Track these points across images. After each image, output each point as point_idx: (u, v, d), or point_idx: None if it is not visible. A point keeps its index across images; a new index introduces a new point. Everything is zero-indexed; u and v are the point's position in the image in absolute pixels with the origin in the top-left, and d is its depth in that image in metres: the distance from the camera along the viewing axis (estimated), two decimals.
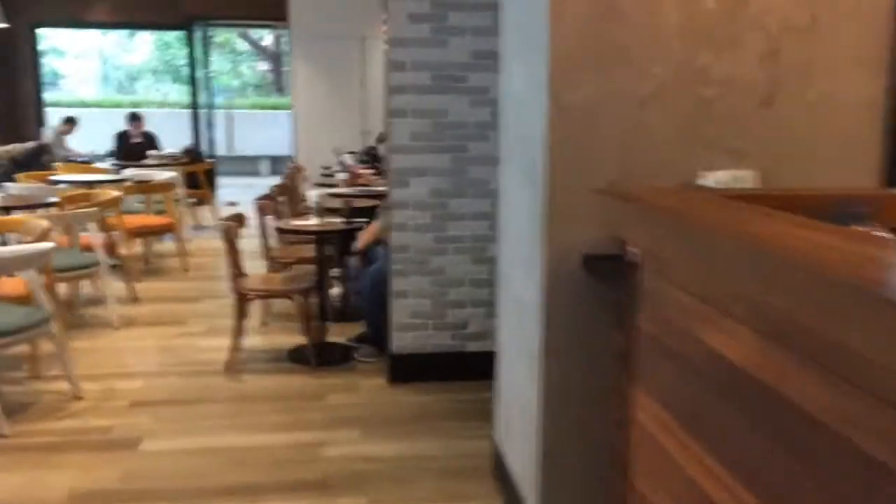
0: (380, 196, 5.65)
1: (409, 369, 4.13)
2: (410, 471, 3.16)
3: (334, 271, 5.75)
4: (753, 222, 1.19)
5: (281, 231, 4.78)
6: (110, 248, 5.40)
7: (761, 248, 1.10)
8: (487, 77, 3.92)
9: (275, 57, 20.71)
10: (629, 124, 2.31)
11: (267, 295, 4.54)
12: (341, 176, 6.13)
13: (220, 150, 13.51)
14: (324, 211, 4.45)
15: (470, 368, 4.12)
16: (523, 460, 2.68)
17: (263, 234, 5.09)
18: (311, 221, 4.44)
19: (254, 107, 18.10)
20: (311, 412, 3.72)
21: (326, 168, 8.11)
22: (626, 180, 2.33)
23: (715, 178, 2.28)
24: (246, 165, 15.26)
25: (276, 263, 5.14)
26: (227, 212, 5.82)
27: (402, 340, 4.13)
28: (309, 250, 4.93)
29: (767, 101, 2.35)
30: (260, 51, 21.57)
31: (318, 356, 4.33)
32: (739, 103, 2.33)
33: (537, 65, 2.39)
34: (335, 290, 5.61)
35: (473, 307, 4.16)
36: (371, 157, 7.90)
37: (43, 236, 3.98)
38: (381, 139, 6.36)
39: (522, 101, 2.58)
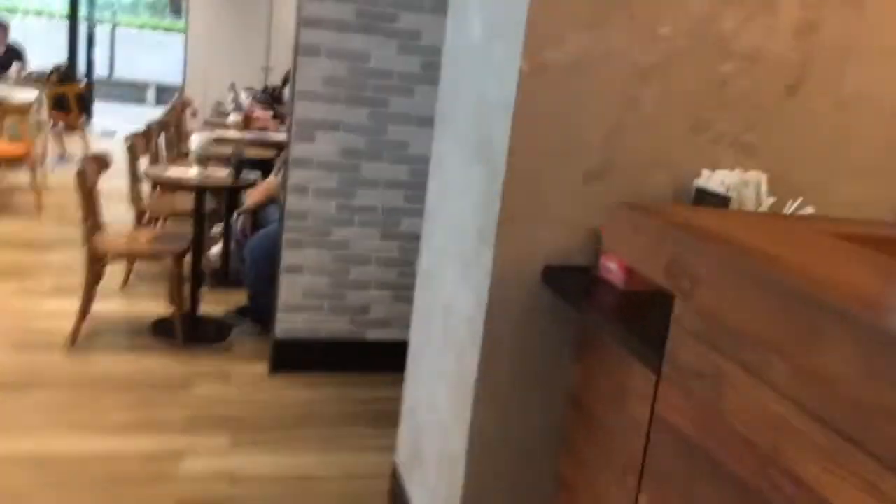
0: (278, 146, 4.92)
1: (295, 357, 3.49)
2: (288, 497, 2.56)
3: (216, 227, 5.01)
4: None
5: (153, 179, 3.99)
6: None
7: None
8: (422, 20, 3.27)
9: None
10: (622, 99, 1.74)
11: (129, 255, 3.77)
12: (233, 117, 5.33)
13: (102, 71, 12.17)
14: (207, 160, 3.70)
15: (369, 359, 3.55)
16: None
17: (134, 179, 4.28)
18: (191, 172, 3.69)
19: (145, 27, 16.58)
20: (170, 408, 3.03)
21: (220, 104, 7.24)
22: (609, 172, 1.77)
23: (722, 180, 1.75)
24: (132, 92, 13.92)
25: (145, 215, 4.35)
26: (104, 143, 4.96)
27: (289, 323, 3.48)
28: (186, 202, 4.18)
29: (793, 88, 1.83)
30: None
31: (187, 332, 3.62)
32: (760, 86, 1.80)
33: (507, 10, 1.77)
34: (215, 250, 4.87)
35: (378, 290, 3.55)
36: (272, 98, 7.08)
37: None
38: (287, 80, 5.60)
39: (480, 54, 1.96)
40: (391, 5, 3.22)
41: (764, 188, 1.74)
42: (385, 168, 3.42)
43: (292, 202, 3.37)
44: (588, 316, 1.71)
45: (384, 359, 3.50)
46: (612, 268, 1.69)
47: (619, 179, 1.77)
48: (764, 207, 1.72)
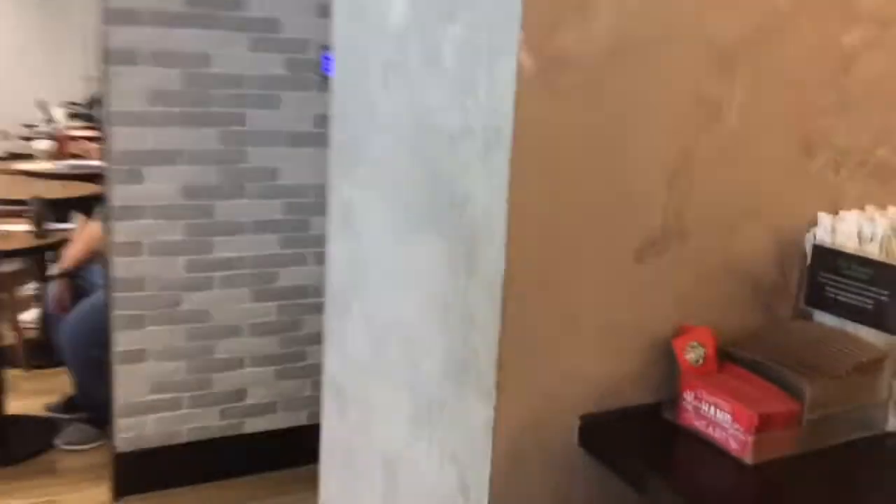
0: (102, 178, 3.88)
1: (148, 473, 2.55)
2: None
3: (29, 287, 3.91)
4: None
5: None
6: None
7: None
8: (280, 4, 2.39)
9: None
10: (694, 107, 0.97)
11: None
12: (41, 145, 4.19)
13: None
14: None
15: (251, 458, 2.67)
16: None
17: None
18: None
19: None
20: None
21: (30, 127, 5.98)
22: (676, 237, 1.00)
23: (857, 229, 1.03)
24: None
25: None
26: None
27: (134, 430, 2.53)
28: None
29: None
30: None
31: None
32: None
33: None
34: (30, 315, 3.78)
35: (255, 367, 2.66)
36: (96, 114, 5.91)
37: None
38: (96, 100, 4.50)
39: (412, 50, 1.13)
40: None
41: None
42: (249, 206, 2.52)
43: (121, 266, 2.41)
44: (655, 489, 0.94)
45: (271, 454, 2.65)
46: (720, 418, 0.92)
47: (693, 248, 1.01)
48: None
